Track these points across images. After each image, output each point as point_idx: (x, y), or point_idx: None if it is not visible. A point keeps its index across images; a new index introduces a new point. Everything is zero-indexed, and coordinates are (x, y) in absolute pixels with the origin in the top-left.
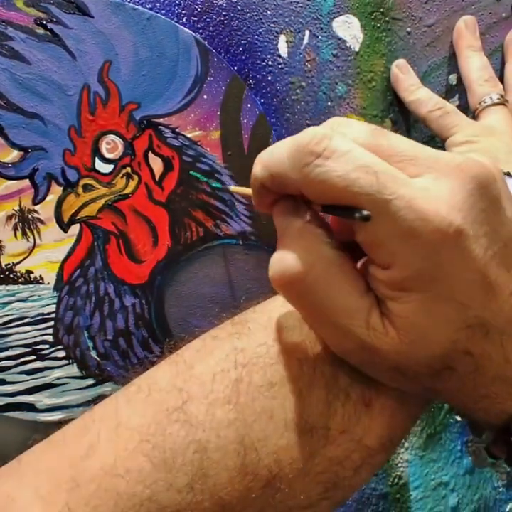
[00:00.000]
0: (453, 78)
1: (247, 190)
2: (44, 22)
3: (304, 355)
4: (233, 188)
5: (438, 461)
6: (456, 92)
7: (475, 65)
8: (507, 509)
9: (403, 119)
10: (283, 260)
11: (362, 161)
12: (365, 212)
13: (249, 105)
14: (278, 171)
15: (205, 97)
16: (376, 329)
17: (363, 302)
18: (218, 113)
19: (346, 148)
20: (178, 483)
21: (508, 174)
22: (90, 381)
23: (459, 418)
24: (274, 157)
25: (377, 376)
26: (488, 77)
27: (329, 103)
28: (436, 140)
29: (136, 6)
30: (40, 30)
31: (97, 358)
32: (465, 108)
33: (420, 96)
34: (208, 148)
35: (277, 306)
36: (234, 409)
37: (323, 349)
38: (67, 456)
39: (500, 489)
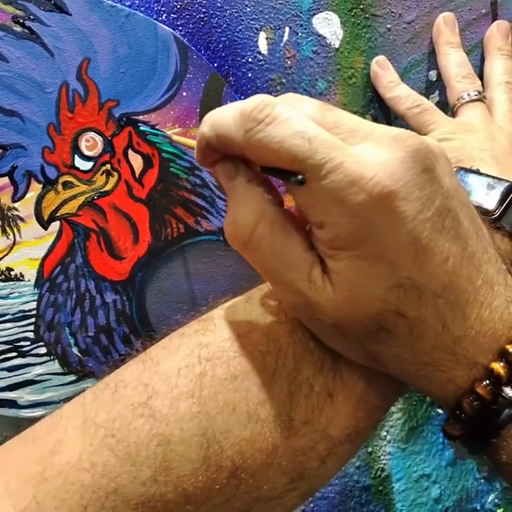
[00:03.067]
0: (433, 74)
1: (189, 142)
2: (22, 20)
3: (267, 347)
4: (176, 137)
5: (420, 453)
6: (437, 88)
7: (454, 62)
8: (489, 500)
9: (383, 115)
10: (232, 220)
11: (299, 127)
12: (300, 177)
13: (228, 102)
14: (224, 133)
15: (184, 94)
16: (316, 283)
17: (306, 257)
18: (198, 110)
19: (286, 115)
20: (142, 475)
21: (477, 171)
22: (72, 377)
23: (440, 411)
24: (221, 119)
25: (323, 337)
26: (467, 74)
27: None
28: None
29: (115, 4)
30: (18, 28)
31: (79, 354)
32: (445, 104)
33: (399, 93)
34: None
35: (242, 302)
36: (197, 403)
37: (286, 342)
38: (36, 452)
39: (482, 480)
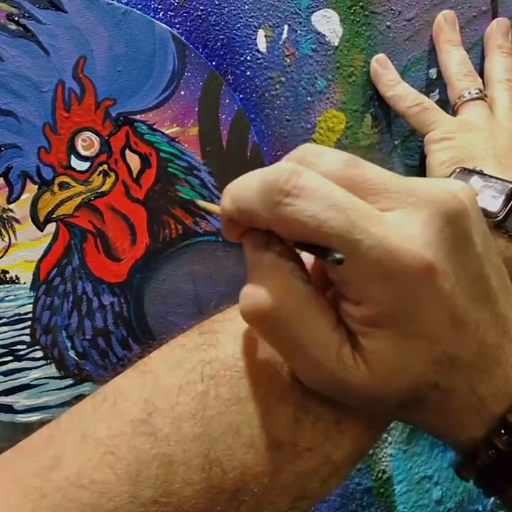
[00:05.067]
0: (433, 72)
1: (215, 208)
2: (16, 17)
3: (274, 370)
4: (201, 202)
5: (421, 454)
6: (437, 86)
7: (454, 60)
8: (490, 501)
9: (383, 113)
10: (254, 295)
11: (332, 199)
12: (338, 256)
13: (227, 101)
14: (247, 207)
15: (182, 92)
16: (347, 363)
17: (334, 336)
18: (196, 109)
19: (316, 185)
20: (143, 496)
21: (480, 172)
22: (69, 381)
23: None
24: (242, 192)
25: (349, 404)
26: (467, 72)
27: (309, 98)
28: (416, 134)
29: (111, 1)
30: (13, 26)
31: (76, 358)
32: (445, 102)
33: (399, 91)
34: (186, 145)
35: None
36: (199, 423)
37: None
38: (34, 466)
39: None
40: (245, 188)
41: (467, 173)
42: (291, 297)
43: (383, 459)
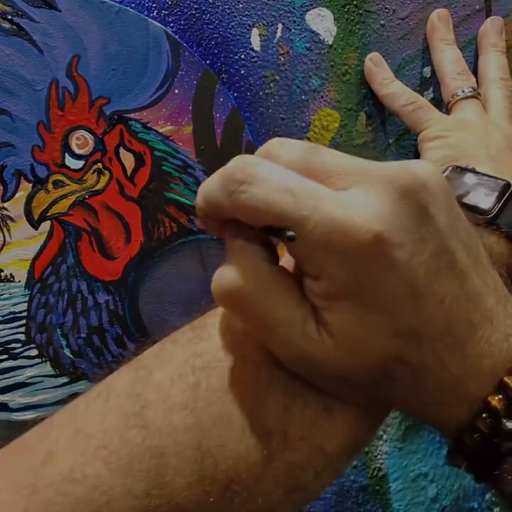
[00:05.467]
0: (427, 71)
1: None
2: (10, 16)
3: (262, 358)
4: None
5: (417, 452)
6: (431, 85)
7: (448, 58)
8: (486, 498)
9: (378, 112)
10: (221, 276)
11: (281, 182)
12: (289, 233)
13: (221, 99)
14: (212, 200)
15: (176, 91)
16: (312, 337)
17: (299, 312)
18: (190, 107)
19: (267, 171)
20: (135, 489)
21: (473, 170)
22: (64, 379)
23: None
24: (208, 186)
25: (325, 387)
26: (461, 70)
27: (303, 97)
28: (411, 133)
29: (105, 0)
30: (6, 24)
31: (71, 356)
32: (439, 101)
33: (393, 90)
34: (181, 143)
35: None
36: (191, 415)
37: None
38: (27, 463)
39: None
40: (211, 182)
41: (460, 171)
42: (254, 277)
43: (379, 457)
